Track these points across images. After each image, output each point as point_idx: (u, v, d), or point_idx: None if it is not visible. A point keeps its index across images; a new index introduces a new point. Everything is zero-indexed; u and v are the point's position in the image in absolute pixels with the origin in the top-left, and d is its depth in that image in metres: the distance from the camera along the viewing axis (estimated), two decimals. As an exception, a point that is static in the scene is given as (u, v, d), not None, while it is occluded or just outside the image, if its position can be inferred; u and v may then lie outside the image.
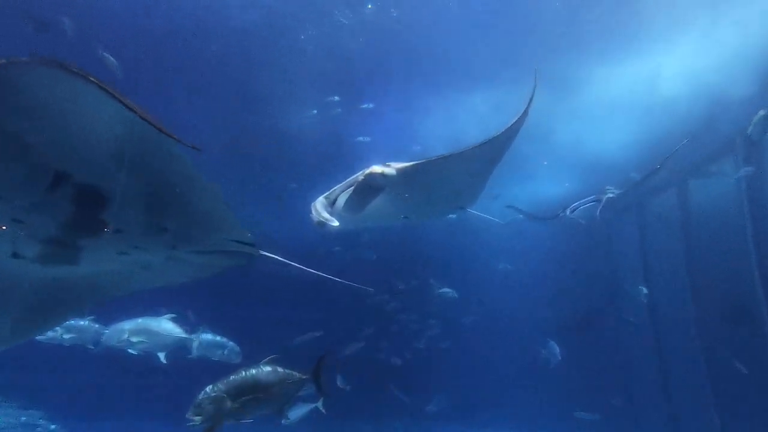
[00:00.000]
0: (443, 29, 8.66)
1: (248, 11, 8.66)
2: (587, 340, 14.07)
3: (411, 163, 4.46)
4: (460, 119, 10.60)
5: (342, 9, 8.41)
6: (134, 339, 8.17)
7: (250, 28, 8.97)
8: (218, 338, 9.42)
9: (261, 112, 10.63)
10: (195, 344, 9.05)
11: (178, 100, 10.15)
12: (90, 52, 7.83)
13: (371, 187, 4.37)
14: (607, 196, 6.63)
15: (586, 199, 6.65)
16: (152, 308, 8.93)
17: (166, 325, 8.61)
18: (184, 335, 8.82)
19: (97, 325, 8.59)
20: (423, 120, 10.57)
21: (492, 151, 4.66)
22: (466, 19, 8.46)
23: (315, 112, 10.40)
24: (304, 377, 4.51)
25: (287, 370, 4.38)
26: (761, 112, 6.07)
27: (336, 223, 4.65)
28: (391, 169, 4.45)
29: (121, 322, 8.33)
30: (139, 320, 8.39)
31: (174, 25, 8.72)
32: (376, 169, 4.37)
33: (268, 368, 4.26)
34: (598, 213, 6.41)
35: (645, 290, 10.53)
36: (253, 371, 4.16)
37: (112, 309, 8.38)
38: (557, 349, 10.43)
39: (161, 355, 8.72)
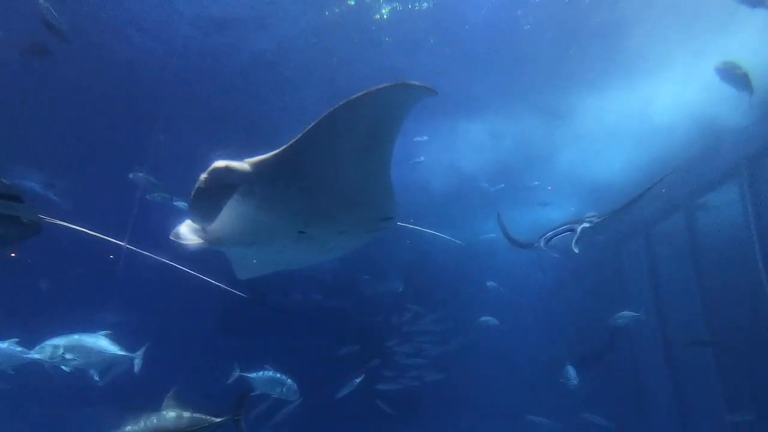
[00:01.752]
0: (441, 60, 8.91)
1: (254, 43, 8.98)
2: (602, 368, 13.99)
3: (269, 154, 3.52)
4: (458, 147, 10.81)
5: (340, 40, 8.67)
6: (68, 356, 7.68)
7: (257, 59, 9.31)
8: (278, 375, 9.29)
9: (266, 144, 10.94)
10: (137, 362, 8.50)
11: (185, 128, 10.54)
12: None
13: (218, 186, 3.43)
14: (582, 225, 5.83)
15: (560, 228, 6.01)
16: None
17: (102, 343, 8.10)
18: (120, 353, 8.27)
19: (19, 349, 7.94)
20: (421, 148, 10.81)
21: (357, 117, 3.35)
22: (464, 51, 8.68)
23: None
24: (218, 420, 3.93)
25: (196, 415, 3.81)
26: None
27: (193, 240, 3.95)
28: (241, 163, 3.51)
29: (54, 338, 7.84)
30: (75, 336, 7.91)
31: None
32: (220, 163, 3.44)
33: (172, 414, 3.69)
34: (573, 244, 5.73)
35: (638, 314, 10.50)
36: (155, 419, 3.59)
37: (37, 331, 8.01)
38: (573, 372, 10.03)
39: (95, 374, 8.28)
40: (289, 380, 9.25)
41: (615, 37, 7.92)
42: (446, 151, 10.85)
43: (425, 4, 7.76)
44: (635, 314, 10.47)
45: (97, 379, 8.33)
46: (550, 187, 12.49)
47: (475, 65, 8.93)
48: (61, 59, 8.26)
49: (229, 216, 3.79)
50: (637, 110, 9.28)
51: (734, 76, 6.86)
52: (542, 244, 5.98)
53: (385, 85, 3.10)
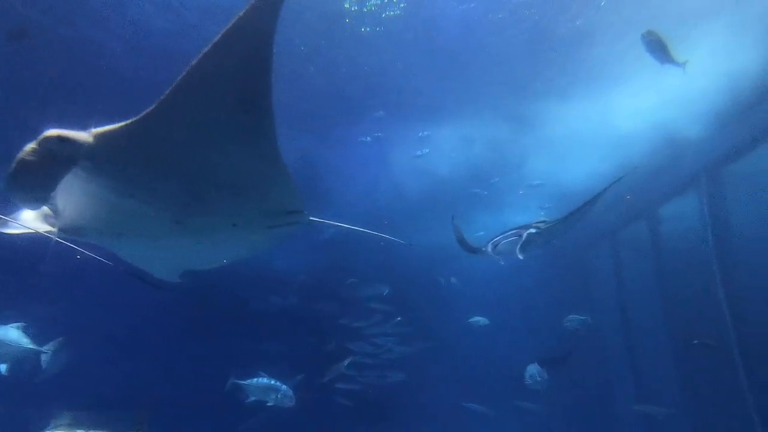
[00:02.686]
0: (412, 65, 9.03)
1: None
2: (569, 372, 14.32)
3: (120, 124, 2.93)
4: (429, 151, 10.98)
5: (314, 49, 8.72)
6: None
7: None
8: (272, 382, 9.27)
9: None
10: (45, 357, 8.12)
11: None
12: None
13: (47, 160, 2.79)
14: (528, 231, 5.70)
15: (508, 233, 5.84)
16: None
17: (12, 335, 7.77)
18: (32, 346, 7.95)
19: None
20: (393, 151, 10.93)
21: (218, 68, 2.74)
22: (435, 57, 8.84)
23: (288, 142, 10.62)
24: None
25: None
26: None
27: (39, 228, 3.37)
28: (82, 134, 2.91)
29: None
30: None
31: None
32: (52, 132, 2.81)
33: None
34: (517, 249, 5.61)
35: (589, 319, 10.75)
36: None
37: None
38: (535, 370, 9.62)
39: (2, 367, 7.95)
40: (284, 386, 9.22)
41: (581, 47, 8.19)
42: (417, 154, 11.01)
43: (397, 11, 7.87)
44: (583, 318, 10.71)
45: (3, 372, 7.93)
46: (522, 192, 12.79)
47: (444, 71, 9.09)
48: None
49: (82, 199, 3.26)
50: (601, 119, 9.60)
51: (655, 44, 6.90)
52: (489, 249, 5.87)
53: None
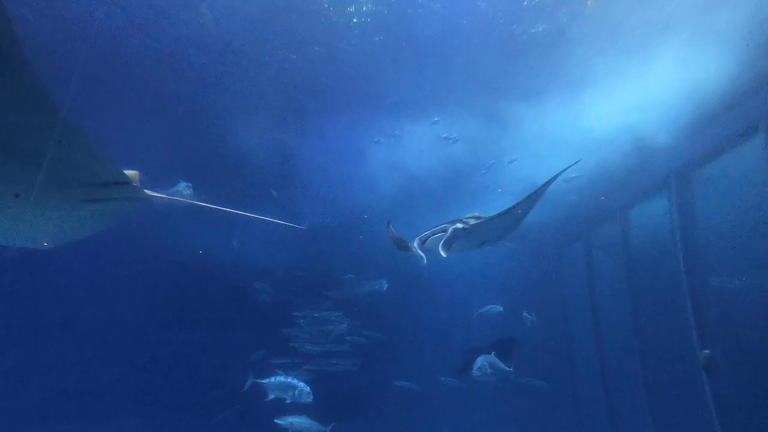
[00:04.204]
0: (391, 63, 9.05)
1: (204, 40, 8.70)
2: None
3: None
4: (406, 147, 11.03)
5: (291, 46, 8.65)
6: None
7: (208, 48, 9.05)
8: (289, 380, 9.68)
9: (210, 132, 10.72)
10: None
11: (128, 117, 10.17)
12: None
13: None
14: (454, 226, 5.18)
15: (436, 229, 5.28)
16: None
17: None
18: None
19: None
20: (370, 146, 10.97)
21: None
22: (414, 58, 8.88)
23: (265, 134, 10.55)
24: None
25: None
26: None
27: None
28: None
29: None
30: None
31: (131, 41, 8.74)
32: None
33: None
34: (440, 246, 5.02)
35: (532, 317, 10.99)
36: None
37: None
38: (487, 362, 9.10)
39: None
40: (301, 384, 9.69)
41: (555, 50, 8.34)
42: (394, 152, 11.08)
43: (376, 6, 7.86)
44: (496, 306, 10.92)
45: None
46: (500, 190, 12.95)
47: (422, 68, 9.14)
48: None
49: None
50: (574, 122, 9.80)
51: None
52: (416, 245, 5.23)
53: None
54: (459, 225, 5.18)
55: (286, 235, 13.07)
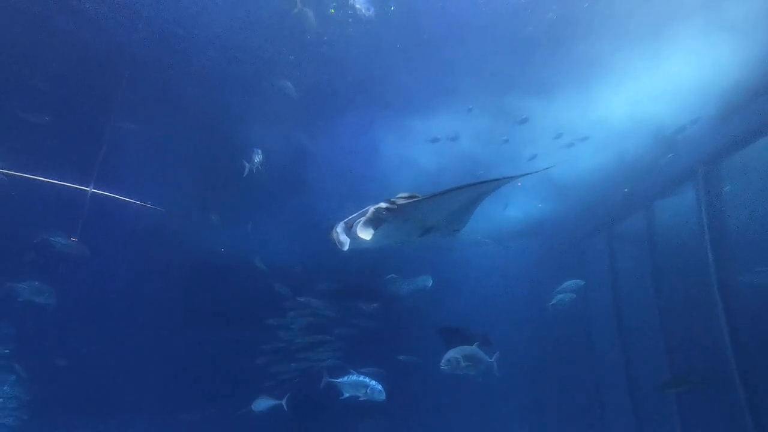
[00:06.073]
0: (401, 62, 8.91)
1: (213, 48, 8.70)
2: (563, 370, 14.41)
3: None
4: (416, 146, 10.88)
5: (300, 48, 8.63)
6: None
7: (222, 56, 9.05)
8: (362, 378, 10.03)
9: (229, 131, 10.73)
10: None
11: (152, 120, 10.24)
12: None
13: None
14: (378, 205, 4.34)
15: (363, 211, 4.48)
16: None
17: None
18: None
19: None
20: (380, 144, 10.90)
21: None
22: (423, 55, 8.73)
23: (278, 134, 10.52)
24: None
25: None
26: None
27: None
28: None
29: None
30: None
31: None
32: None
33: None
34: (359, 226, 4.33)
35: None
36: None
37: None
38: (460, 355, 8.03)
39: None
40: (373, 382, 9.98)
41: (570, 44, 8.08)
42: (408, 148, 10.94)
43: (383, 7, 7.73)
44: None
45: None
46: (519, 183, 12.71)
47: (432, 66, 8.99)
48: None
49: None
50: (594, 114, 9.52)
51: None
52: (338, 230, 4.48)
53: None
54: (383, 204, 4.37)
55: (301, 236, 13.07)
